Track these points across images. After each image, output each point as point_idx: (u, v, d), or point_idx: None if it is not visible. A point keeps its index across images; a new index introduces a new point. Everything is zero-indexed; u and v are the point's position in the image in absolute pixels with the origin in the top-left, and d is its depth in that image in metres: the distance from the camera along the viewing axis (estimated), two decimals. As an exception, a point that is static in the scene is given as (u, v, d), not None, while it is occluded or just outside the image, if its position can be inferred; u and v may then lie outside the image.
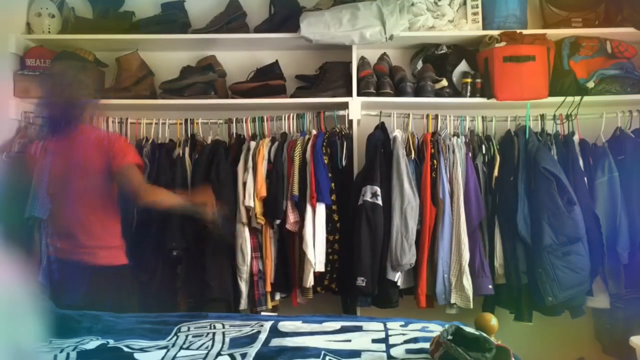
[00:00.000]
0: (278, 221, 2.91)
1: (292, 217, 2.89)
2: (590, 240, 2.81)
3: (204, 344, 1.84)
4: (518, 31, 3.08)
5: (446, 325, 1.71)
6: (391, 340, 1.84)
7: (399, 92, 3.09)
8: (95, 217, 2.52)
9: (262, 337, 1.88)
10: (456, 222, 2.85)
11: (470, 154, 2.95)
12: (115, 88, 3.21)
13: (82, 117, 2.60)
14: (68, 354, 1.74)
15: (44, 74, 3.12)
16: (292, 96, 3.18)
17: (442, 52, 3.20)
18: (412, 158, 2.95)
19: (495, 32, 3.09)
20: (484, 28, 3.16)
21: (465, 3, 3.18)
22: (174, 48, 3.38)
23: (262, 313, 2.87)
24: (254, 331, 1.95)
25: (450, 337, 1.59)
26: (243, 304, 2.90)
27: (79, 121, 2.58)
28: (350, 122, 3.09)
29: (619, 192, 2.87)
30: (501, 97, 3.05)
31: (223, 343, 1.84)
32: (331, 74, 3.15)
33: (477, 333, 1.67)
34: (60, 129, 2.58)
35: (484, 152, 3.00)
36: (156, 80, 3.29)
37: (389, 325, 2.00)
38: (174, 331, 1.98)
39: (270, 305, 2.96)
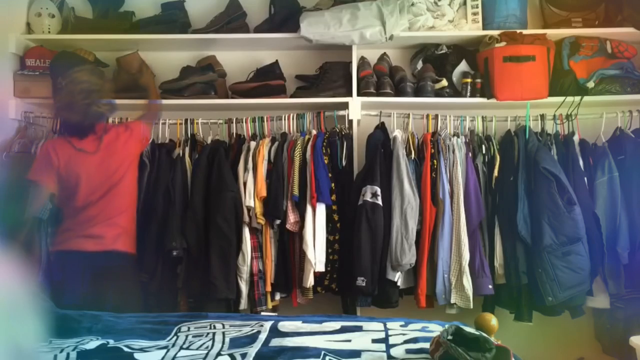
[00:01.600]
0: (278, 221, 2.91)
1: (292, 217, 2.89)
2: (590, 240, 2.81)
3: (204, 344, 1.84)
4: (518, 31, 3.07)
5: (446, 325, 1.71)
6: (391, 340, 1.84)
7: (399, 92, 3.09)
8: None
9: (262, 337, 1.89)
10: (456, 222, 2.85)
11: (470, 154, 2.95)
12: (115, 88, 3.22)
13: (103, 117, 2.72)
14: (68, 354, 1.74)
15: (45, 74, 3.12)
16: (292, 96, 3.18)
17: (442, 52, 3.20)
18: (412, 158, 2.95)
19: (495, 32, 3.09)
20: (484, 28, 3.16)
21: (465, 3, 3.18)
22: (174, 48, 3.38)
23: (262, 313, 2.87)
24: (254, 331, 1.95)
25: (450, 337, 1.59)
26: (243, 304, 2.90)
27: (101, 121, 2.70)
28: (350, 122, 3.09)
29: (619, 192, 2.87)
30: (501, 97, 3.05)
31: (223, 343, 1.84)
32: (331, 74, 3.15)
33: (477, 333, 1.67)
34: (82, 131, 2.65)
35: (484, 152, 3.00)
36: (156, 80, 3.29)
37: (389, 325, 2.00)
38: (174, 331, 1.98)
39: (270, 305, 2.96)
